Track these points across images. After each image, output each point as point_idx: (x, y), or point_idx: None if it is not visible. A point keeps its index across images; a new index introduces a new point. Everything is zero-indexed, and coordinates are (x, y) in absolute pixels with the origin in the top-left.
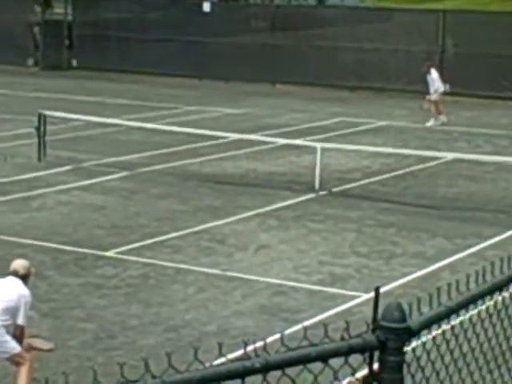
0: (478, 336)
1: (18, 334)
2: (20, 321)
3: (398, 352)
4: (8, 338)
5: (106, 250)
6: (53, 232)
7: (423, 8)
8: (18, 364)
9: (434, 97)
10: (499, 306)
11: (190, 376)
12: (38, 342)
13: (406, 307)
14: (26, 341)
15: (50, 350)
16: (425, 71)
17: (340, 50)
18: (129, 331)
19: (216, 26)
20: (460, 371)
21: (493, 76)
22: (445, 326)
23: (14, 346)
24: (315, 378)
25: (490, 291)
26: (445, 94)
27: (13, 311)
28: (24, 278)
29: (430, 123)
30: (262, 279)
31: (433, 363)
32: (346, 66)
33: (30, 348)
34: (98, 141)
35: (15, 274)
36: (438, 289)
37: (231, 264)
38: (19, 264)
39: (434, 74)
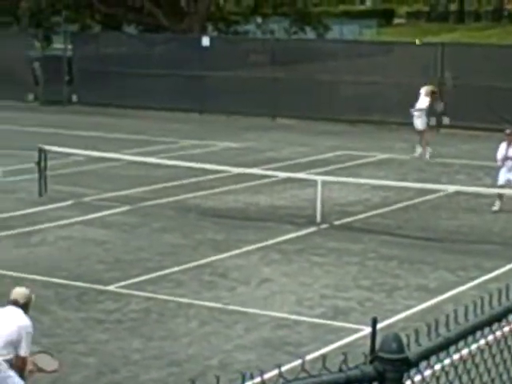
0: (477, 367)
1: (20, 365)
2: (22, 352)
3: (397, 383)
4: (11, 373)
5: (108, 284)
6: (54, 267)
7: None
8: None
9: (423, 128)
10: (498, 337)
11: None
12: (43, 362)
13: (406, 339)
14: (31, 358)
15: (53, 371)
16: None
17: (340, 84)
18: (131, 366)
19: (215, 60)
20: None
21: (491, 109)
22: (444, 357)
23: (18, 381)
24: None
25: (489, 322)
26: (444, 126)
27: (15, 343)
28: (24, 306)
29: (427, 155)
30: (264, 313)
31: None
32: (346, 100)
33: (35, 367)
34: (99, 175)
35: (15, 303)
36: (437, 320)
37: (233, 298)
38: (19, 293)
39: (424, 101)
